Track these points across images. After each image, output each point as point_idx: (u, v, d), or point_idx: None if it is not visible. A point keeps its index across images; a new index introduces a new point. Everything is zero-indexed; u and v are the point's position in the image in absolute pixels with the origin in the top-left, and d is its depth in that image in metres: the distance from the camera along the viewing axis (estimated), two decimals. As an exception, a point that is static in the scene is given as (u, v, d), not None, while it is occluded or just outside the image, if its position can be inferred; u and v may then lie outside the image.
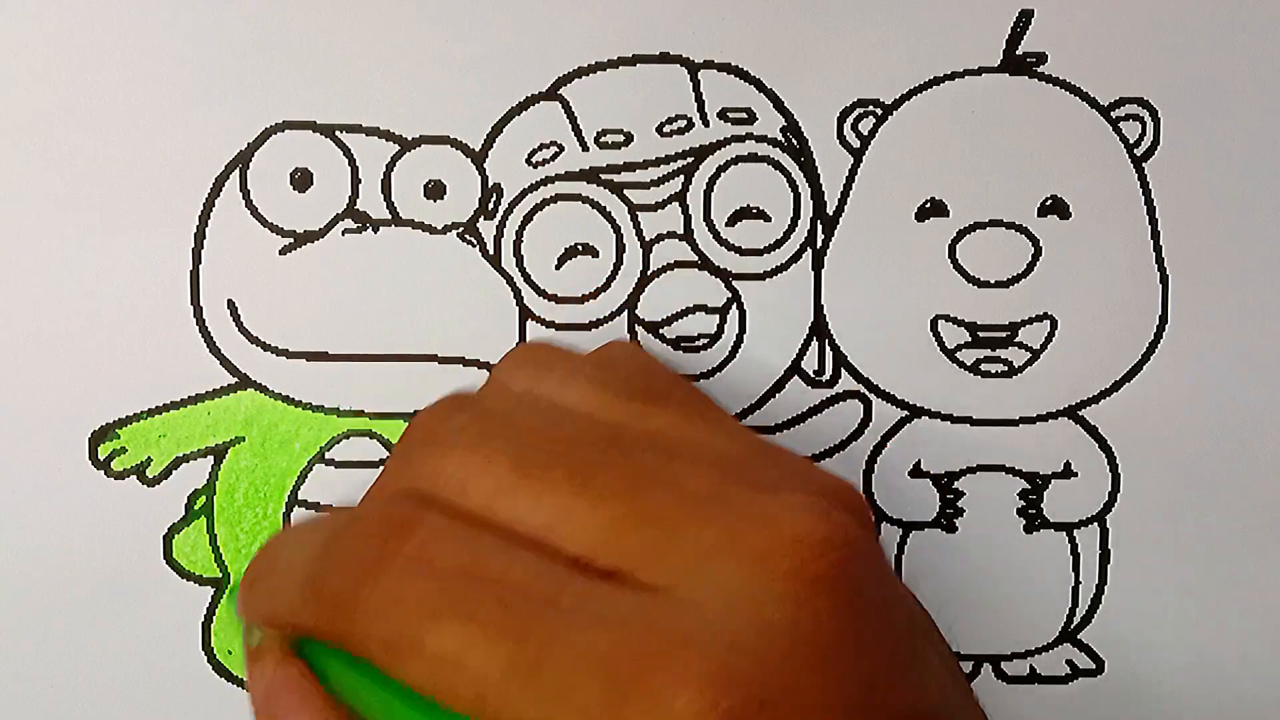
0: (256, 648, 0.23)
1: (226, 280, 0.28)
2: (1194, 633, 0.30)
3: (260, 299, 0.28)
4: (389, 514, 0.21)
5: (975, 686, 0.30)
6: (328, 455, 0.28)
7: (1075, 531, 0.29)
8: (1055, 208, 0.28)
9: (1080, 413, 0.29)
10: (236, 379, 0.28)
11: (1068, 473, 0.29)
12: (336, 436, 0.28)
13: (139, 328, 0.28)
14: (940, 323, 0.29)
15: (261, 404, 0.28)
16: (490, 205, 0.28)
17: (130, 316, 0.28)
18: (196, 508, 0.28)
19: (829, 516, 0.20)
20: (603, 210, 0.28)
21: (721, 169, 0.28)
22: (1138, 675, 0.30)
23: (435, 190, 0.28)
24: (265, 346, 0.28)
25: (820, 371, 0.29)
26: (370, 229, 0.28)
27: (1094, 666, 0.30)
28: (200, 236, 0.28)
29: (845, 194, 0.28)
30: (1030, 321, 0.29)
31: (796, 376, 0.29)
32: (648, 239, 0.28)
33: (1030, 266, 0.29)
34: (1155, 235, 0.29)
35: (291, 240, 0.28)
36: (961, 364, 0.29)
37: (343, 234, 0.28)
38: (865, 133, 0.28)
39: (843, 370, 0.29)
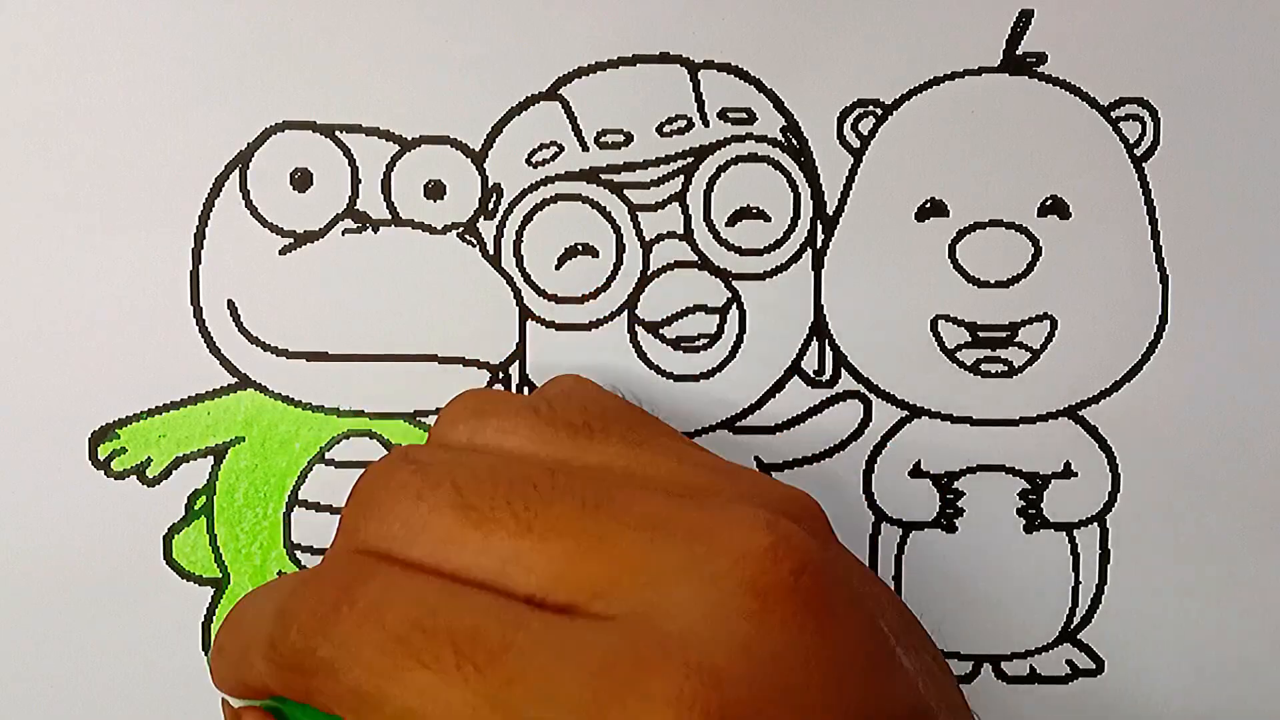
0: (235, 710, 0.23)
1: (226, 280, 0.28)
2: (1194, 633, 0.30)
3: (260, 299, 0.28)
4: (340, 571, 0.21)
5: (975, 686, 0.30)
6: (328, 455, 0.28)
7: (1075, 531, 0.29)
8: (1055, 208, 0.28)
9: (1080, 413, 0.29)
10: (236, 379, 0.28)
11: (1068, 473, 0.29)
12: (336, 436, 0.28)
13: (139, 328, 0.28)
14: (940, 323, 0.29)
15: (261, 404, 0.28)
16: (490, 205, 0.28)
17: (130, 316, 0.28)
18: (196, 508, 0.28)
19: (774, 527, 0.20)
20: (603, 210, 0.28)
21: (721, 169, 0.28)
22: (1138, 675, 0.30)
23: (435, 190, 0.28)
24: (265, 346, 0.28)
25: (820, 371, 0.29)
26: (370, 229, 0.28)
27: (1094, 666, 0.30)
28: (200, 236, 0.28)
29: (845, 194, 0.28)
30: (1030, 321, 0.29)
31: (796, 376, 0.29)
32: (648, 239, 0.28)
33: (1030, 266, 0.29)
34: (1155, 235, 0.29)
35: (291, 240, 0.28)
36: (961, 364, 0.29)
37: (343, 234, 0.28)
38: (865, 133, 0.28)
39: (843, 370, 0.29)
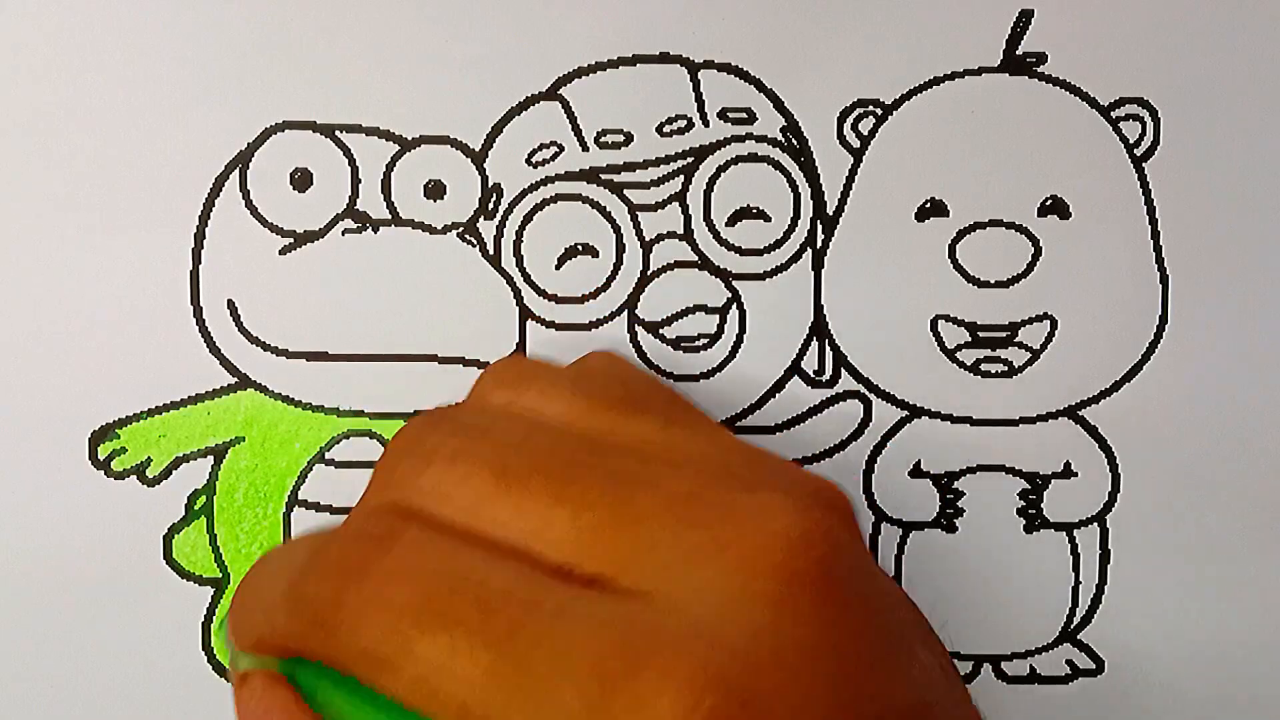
0: (243, 672, 0.23)
1: (226, 280, 0.28)
2: (1194, 633, 0.30)
3: (260, 299, 0.28)
4: (369, 527, 0.21)
5: (975, 686, 0.30)
6: (328, 455, 0.28)
7: (1075, 531, 0.29)
8: (1055, 208, 0.28)
9: (1080, 413, 0.29)
10: (236, 379, 0.28)
11: (1068, 473, 0.29)
12: (336, 436, 0.28)
13: (139, 328, 0.28)
14: (940, 323, 0.29)
15: (261, 404, 0.28)
16: (490, 205, 0.28)
17: (130, 316, 0.28)
18: (196, 508, 0.28)
19: (807, 514, 0.20)
20: (603, 210, 0.28)
21: (721, 169, 0.28)
22: (1138, 675, 0.30)
23: (435, 190, 0.28)
24: (265, 346, 0.28)
25: (820, 371, 0.29)
26: (370, 229, 0.28)
27: (1094, 666, 0.30)
28: (200, 236, 0.28)
29: (845, 194, 0.28)
30: (1030, 321, 0.29)
31: (796, 376, 0.29)
32: (648, 239, 0.28)
33: (1030, 266, 0.29)
34: (1155, 235, 0.29)
35: (291, 240, 0.28)
36: (961, 364, 0.29)
37: (343, 234, 0.28)
38: (865, 133, 0.28)
39: (843, 370, 0.29)
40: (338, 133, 0.28)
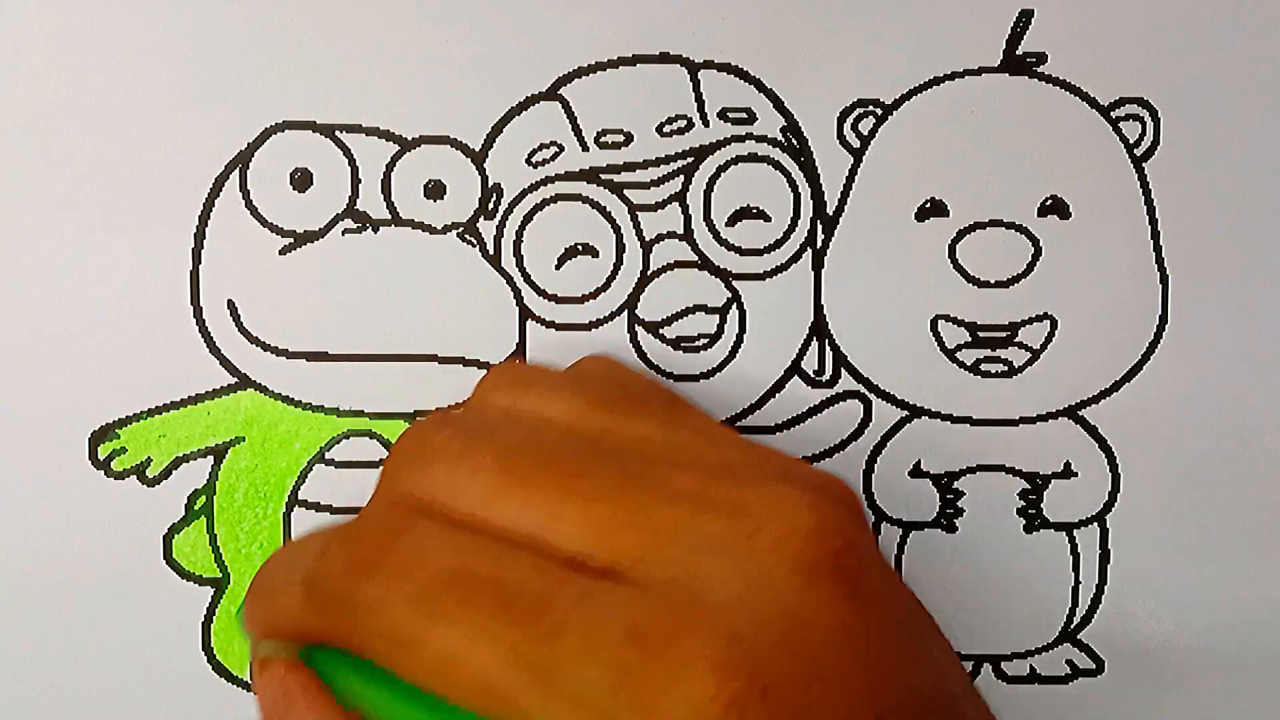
0: (264, 657, 0.23)
1: (226, 280, 0.28)
2: (1194, 633, 0.30)
3: (260, 299, 0.28)
4: (382, 518, 0.21)
5: (975, 686, 0.30)
6: (328, 455, 0.28)
7: (1075, 531, 0.29)
8: (1055, 208, 0.28)
9: (1080, 413, 0.29)
10: (236, 379, 0.28)
11: (1068, 473, 0.29)
12: (336, 436, 0.28)
13: (139, 328, 0.28)
14: (940, 323, 0.29)
15: (261, 404, 0.28)
16: (490, 205, 0.28)
17: (130, 316, 0.28)
18: (196, 508, 0.28)
19: (819, 508, 0.20)
20: (603, 210, 0.28)
21: (721, 169, 0.28)
22: (1138, 675, 0.30)
23: (435, 190, 0.28)
24: (265, 346, 0.28)
25: (820, 371, 0.29)
26: (370, 229, 0.28)
27: (1094, 666, 0.30)
28: (200, 236, 0.28)
29: (845, 194, 0.28)
30: (1030, 321, 0.29)
31: (796, 376, 0.29)
32: (648, 239, 0.28)
33: (1030, 266, 0.29)
34: (1155, 235, 0.29)
35: (291, 240, 0.28)
36: (961, 364, 0.29)
37: (343, 234, 0.28)
38: (865, 133, 0.28)
39: (843, 370, 0.29)
40: (338, 133, 0.28)
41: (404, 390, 0.28)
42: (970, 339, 0.29)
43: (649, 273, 0.28)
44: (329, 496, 0.28)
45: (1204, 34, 0.28)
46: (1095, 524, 0.29)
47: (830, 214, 0.28)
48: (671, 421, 0.23)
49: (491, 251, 0.28)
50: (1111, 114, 0.28)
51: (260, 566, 0.24)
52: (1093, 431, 0.29)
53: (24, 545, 0.28)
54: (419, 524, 0.21)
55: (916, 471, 0.29)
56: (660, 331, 0.29)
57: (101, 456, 0.28)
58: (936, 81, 0.28)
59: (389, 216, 0.28)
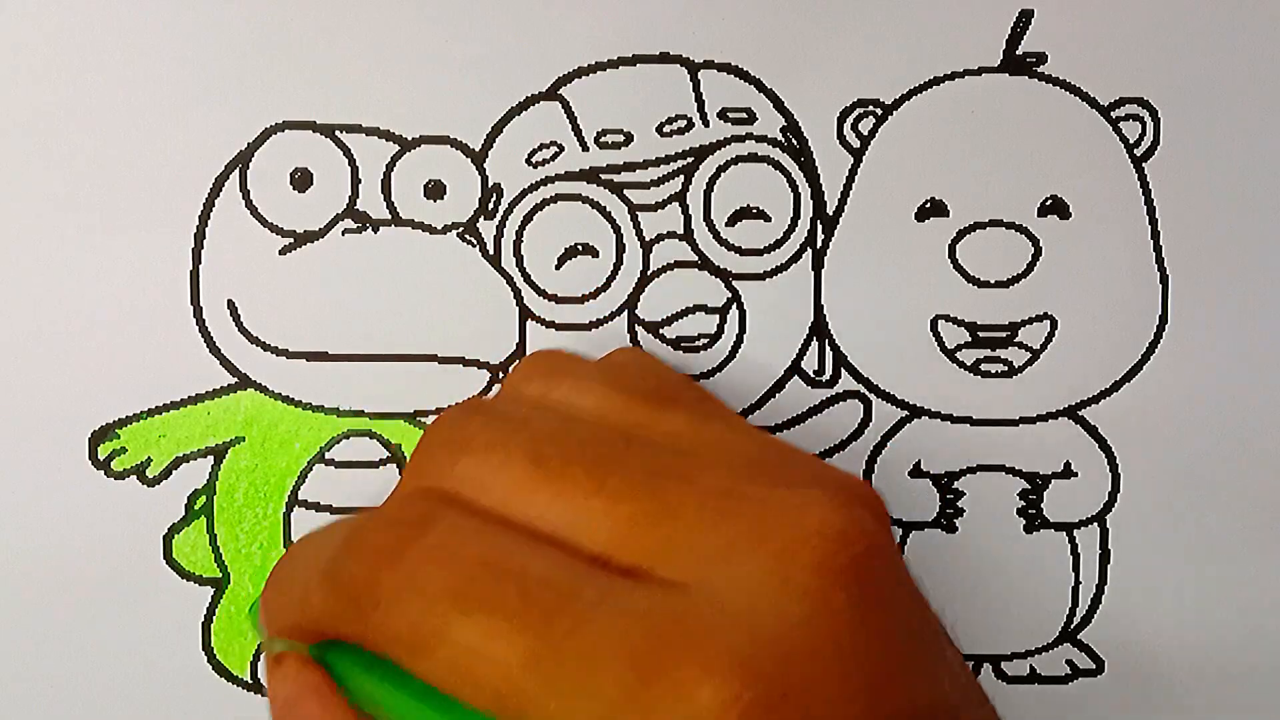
0: (278, 654, 0.23)
1: (226, 280, 0.28)
2: (1194, 633, 0.30)
3: (260, 299, 0.28)
4: (406, 510, 0.21)
5: (975, 686, 0.30)
6: (328, 455, 0.28)
7: (1075, 531, 0.29)
8: (1055, 208, 0.28)
9: (1080, 413, 0.29)
10: (236, 379, 0.28)
11: (1068, 473, 0.29)
12: (336, 436, 0.28)
13: (139, 328, 0.28)
14: (940, 323, 0.29)
15: (261, 404, 0.28)
16: (490, 205, 0.28)
17: (130, 316, 0.28)
18: (196, 508, 0.28)
19: (847, 511, 0.20)
20: (603, 210, 0.28)
21: (721, 169, 0.28)
22: (1138, 675, 0.30)
23: (435, 190, 0.28)
24: (265, 346, 0.28)
25: (820, 371, 0.29)
26: (370, 229, 0.28)
27: (1094, 666, 0.30)
28: (200, 236, 0.28)
29: (845, 194, 0.28)
30: (1030, 321, 0.29)
31: (796, 376, 0.29)
32: (648, 239, 0.28)
33: (1030, 266, 0.29)
34: (1155, 235, 0.29)
35: (291, 240, 0.28)
36: (961, 364, 0.29)
37: (343, 234, 0.28)
38: (865, 133, 0.28)
39: (843, 370, 0.29)
40: (338, 133, 0.28)
41: (404, 390, 0.28)
42: (970, 339, 0.29)
43: (649, 273, 0.28)
44: (329, 496, 0.28)
45: (1204, 34, 0.28)
46: (1095, 524, 0.29)
47: (830, 214, 0.28)
48: (703, 416, 0.23)
49: (491, 251, 0.28)
50: (1111, 114, 0.28)
51: (280, 557, 0.23)
52: (1093, 431, 0.29)
53: (24, 545, 0.28)
54: (445, 515, 0.21)
55: (916, 471, 0.29)
56: (660, 331, 0.29)
57: (101, 456, 0.28)
58: (936, 81, 0.28)
59: (389, 216, 0.28)
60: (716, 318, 0.29)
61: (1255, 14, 0.28)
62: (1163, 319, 0.29)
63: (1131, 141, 0.28)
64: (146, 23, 0.27)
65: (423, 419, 0.28)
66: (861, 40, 0.28)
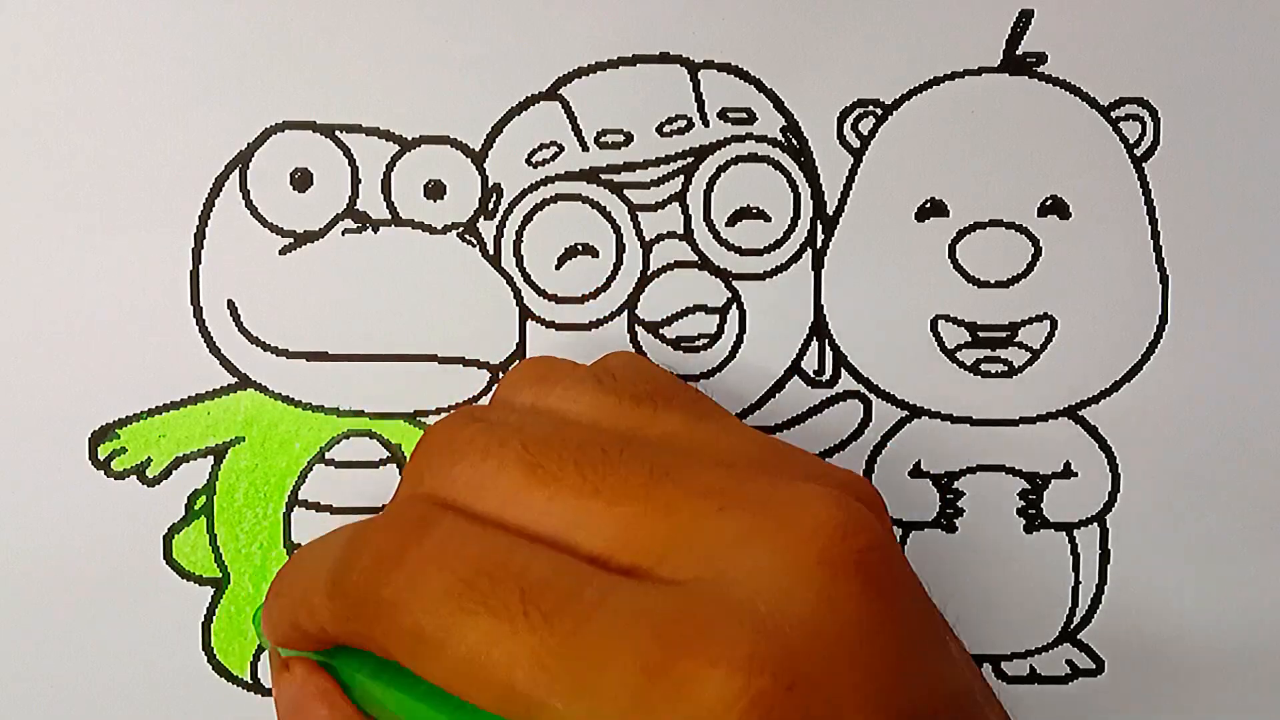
0: (285, 659, 0.23)
1: (226, 280, 0.28)
2: (1194, 633, 0.30)
3: (260, 299, 0.28)
4: (406, 514, 0.21)
5: (975, 686, 0.30)
6: (328, 455, 0.28)
7: (1075, 531, 0.29)
8: (1055, 208, 0.28)
9: (1080, 413, 0.29)
10: (236, 379, 0.28)
11: (1068, 473, 0.29)
12: (336, 436, 0.28)
13: (139, 328, 0.28)
14: (940, 323, 0.29)
15: (261, 404, 0.28)
16: (490, 205, 0.28)
17: (130, 316, 0.28)
18: (196, 508, 0.28)
19: (846, 505, 0.20)
20: (603, 210, 0.28)
21: (721, 169, 0.28)
22: (1138, 675, 0.30)
23: (435, 190, 0.28)
24: (265, 346, 0.28)
25: (820, 371, 0.29)
26: (370, 229, 0.28)
27: (1094, 666, 0.30)
28: (200, 236, 0.28)
29: (845, 194, 0.28)
30: (1030, 321, 0.29)
31: (796, 376, 0.29)
32: (648, 239, 0.28)
33: (1030, 266, 0.29)
34: (1155, 235, 0.29)
35: (291, 240, 0.28)
36: (961, 364, 0.29)
37: (343, 234, 0.28)
38: (865, 133, 0.28)
39: (843, 370, 0.29)
40: (338, 133, 0.28)
41: (404, 390, 0.28)
42: (970, 339, 0.29)
43: (649, 273, 0.28)
44: (329, 496, 0.28)
45: (1204, 34, 0.28)
46: (1095, 524, 0.29)
47: (830, 214, 0.28)
48: (697, 417, 0.23)
49: (491, 251, 0.28)
50: (1111, 114, 0.28)
51: (281, 567, 0.23)
52: (1093, 431, 0.29)
53: (24, 545, 0.28)
54: (443, 519, 0.21)
55: (916, 471, 0.29)
56: (660, 331, 0.29)
57: (101, 456, 0.28)
58: (936, 81, 0.28)
59: (389, 216, 0.28)
60: (716, 318, 0.29)
61: (1255, 14, 0.28)
62: (1163, 319, 0.29)
63: (1131, 141, 0.28)
64: (146, 23, 0.27)
65: (423, 419, 0.28)
66: (861, 40, 0.28)
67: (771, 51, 0.28)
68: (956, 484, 0.29)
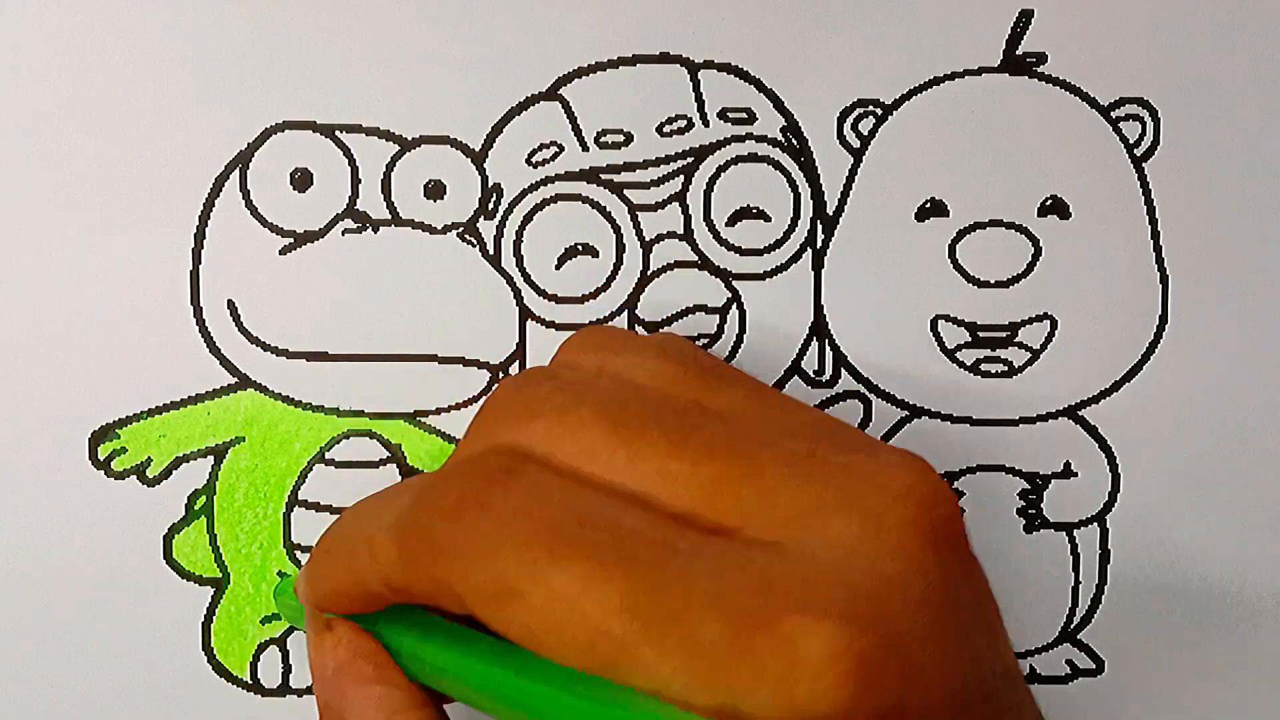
0: (328, 620, 0.22)
1: (226, 280, 0.28)
2: (1194, 633, 0.30)
3: (260, 299, 0.28)
4: (488, 463, 0.20)
5: (975, 686, 0.30)
6: (328, 455, 0.28)
7: (1075, 531, 0.29)
8: (1055, 208, 0.28)
9: (1080, 413, 0.29)
10: (236, 379, 0.28)
11: (1068, 473, 0.29)
12: (336, 436, 0.28)
13: (139, 328, 0.28)
14: (940, 323, 0.29)
15: (261, 404, 0.28)
16: (490, 205, 0.28)
17: (130, 316, 0.28)
18: (196, 508, 0.28)
19: (929, 474, 0.20)
20: (603, 210, 0.28)
21: (721, 169, 0.28)
22: (1138, 675, 0.30)
23: (435, 190, 0.28)
24: (265, 346, 0.28)
25: (820, 371, 0.29)
26: (370, 229, 0.28)
27: (1094, 666, 0.30)
28: (200, 236, 0.28)
29: (845, 194, 0.28)
30: (1030, 321, 0.29)
31: (796, 376, 0.29)
32: (648, 239, 0.28)
33: (1030, 266, 0.29)
34: (1155, 235, 0.29)
35: (291, 240, 0.28)
36: (961, 364, 0.29)
37: (343, 234, 0.28)
38: (865, 133, 0.28)
39: (843, 370, 0.29)
40: (338, 133, 0.28)
41: (404, 390, 0.28)
42: (970, 339, 0.29)
43: (649, 273, 0.28)
44: (329, 496, 0.28)
45: (1204, 34, 0.28)
46: (1095, 524, 0.29)
47: (830, 214, 0.28)
48: (758, 391, 0.23)
49: (491, 251, 0.28)
50: (1111, 114, 0.28)
51: (329, 527, 0.23)
52: (1093, 431, 0.29)
53: (24, 545, 0.28)
54: (528, 468, 0.20)
55: (916, 471, 0.29)
56: (660, 331, 0.29)
57: (101, 456, 0.28)
58: (936, 81, 0.28)
59: (389, 216, 0.28)
60: (716, 318, 0.29)
61: (1255, 14, 0.28)
62: (1163, 319, 0.29)
63: (1131, 141, 0.28)
64: (146, 23, 0.27)
65: (423, 419, 0.28)
66: (861, 40, 0.28)
67: (771, 51, 0.28)
68: (956, 484, 0.29)
